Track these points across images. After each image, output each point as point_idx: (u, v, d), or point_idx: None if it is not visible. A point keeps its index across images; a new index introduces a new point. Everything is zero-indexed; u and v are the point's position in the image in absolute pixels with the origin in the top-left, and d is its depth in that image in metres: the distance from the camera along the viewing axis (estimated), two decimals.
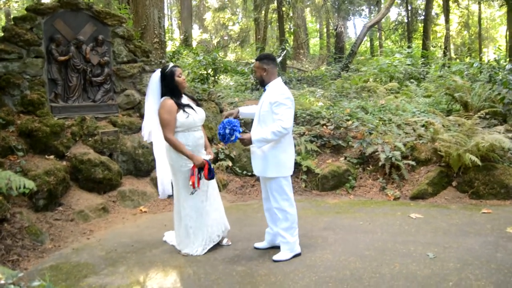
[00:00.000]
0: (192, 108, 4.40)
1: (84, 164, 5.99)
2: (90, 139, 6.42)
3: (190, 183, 4.23)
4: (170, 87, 4.35)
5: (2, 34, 6.25)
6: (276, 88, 4.16)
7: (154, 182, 6.58)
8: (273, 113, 4.07)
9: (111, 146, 6.54)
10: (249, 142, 4.08)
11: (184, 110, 4.29)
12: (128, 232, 5.19)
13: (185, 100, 4.46)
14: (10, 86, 6.08)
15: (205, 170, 4.30)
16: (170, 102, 4.29)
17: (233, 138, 4.08)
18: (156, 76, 4.40)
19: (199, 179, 4.26)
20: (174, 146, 4.26)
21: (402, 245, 4.42)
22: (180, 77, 4.38)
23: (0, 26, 6.68)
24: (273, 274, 3.86)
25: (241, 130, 4.15)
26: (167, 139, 4.27)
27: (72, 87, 6.60)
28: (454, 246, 4.35)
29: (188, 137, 4.33)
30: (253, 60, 16.24)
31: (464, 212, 5.58)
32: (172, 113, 4.25)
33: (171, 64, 4.54)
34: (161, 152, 4.53)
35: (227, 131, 4.08)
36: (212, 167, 4.39)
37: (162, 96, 4.37)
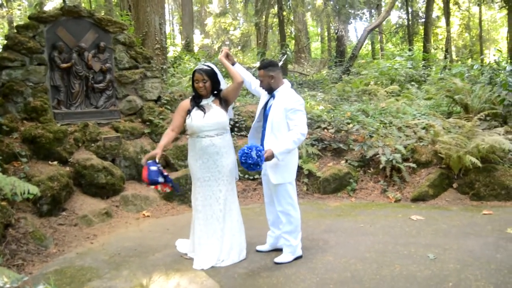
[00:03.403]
0: (204, 112, 4.22)
1: (87, 169, 6.05)
2: (93, 144, 6.48)
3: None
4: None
5: (6, 42, 6.34)
6: (288, 93, 4.16)
7: None
8: (287, 119, 4.06)
9: (114, 151, 6.60)
10: (271, 157, 3.92)
11: (189, 113, 4.25)
12: (131, 236, 5.23)
13: (207, 102, 4.30)
14: (14, 94, 6.16)
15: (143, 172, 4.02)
16: (184, 101, 4.41)
17: (261, 163, 3.82)
18: None
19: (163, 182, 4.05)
20: None
21: (403, 247, 4.45)
22: (196, 82, 4.28)
23: (3, 34, 6.75)
24: (274, 276, 3.90)
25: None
26: None
27: (74, 93, 6.67)
28: (455, 247, 4.38)
29: (195, 144, 4.24)
30: (254, 65, 16.28)
31: (465, 214, 5.60)
32: (178, 112, 4.36)
33: (199, 65, 4.49)
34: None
35: (254, 154, 3.76)
36: (153, 170, 3.96)
37: None
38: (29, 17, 6.50)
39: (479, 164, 6.06)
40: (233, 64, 4.50)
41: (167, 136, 4.30)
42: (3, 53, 6.20)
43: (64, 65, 6.54)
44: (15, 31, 6.48)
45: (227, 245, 4.26)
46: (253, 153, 3.78)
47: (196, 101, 4.32)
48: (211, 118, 4.21)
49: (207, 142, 4.21)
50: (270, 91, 4.25)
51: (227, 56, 4.50)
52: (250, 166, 3.82)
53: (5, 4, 5.78)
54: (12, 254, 4.33)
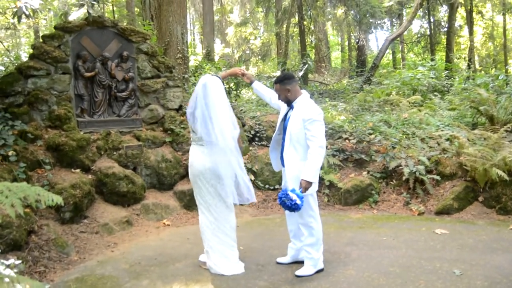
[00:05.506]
0: None
1: (109, 177, 6.10)
2: (114, 153, 6.53)
3: None
4: None
5: (32, 52, 6.46)
6: (306, 104, 4.15)
7: (177, 196, 6.66)
8: (305, 129, 4.04)
9: (135, 160, 6.64)
10: (309, 185, 3.95)
11: None
12: (152, 245, 5.23)
13: None
14: (39, 102, 6.26)
15: None
16: None
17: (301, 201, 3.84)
18: None
19: None
20: None
21: (427, 262, 4.34)
22: None
23: (30, 44, 6.89)
24: None
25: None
26: None
27: (97, 102, 6.75)
28: (481, 263, 4.26)
29: None
30: (274, 74, 16.26)
31: (492, 228, 5.45)
32: None
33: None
34: None
35: (295, 198, 3.81)
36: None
37: None
38: (55, 27, 6.63)
39: (506, 177, 5.89)
40: (251, 82, 4.66)
41: None
42: (29, 62, 6.33)
43: (88, 74, 6.63)
44: (41, 40, 6.62)
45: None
46: (292, 196, 3.83)
47: None
48: None
49: None
50: (289, 103, 4.27)
51: (244, 75, 4.68)
52: (288, 207, 3.87)
53: (32, 15, 5.88)
54: (35, 261, 4.37)
